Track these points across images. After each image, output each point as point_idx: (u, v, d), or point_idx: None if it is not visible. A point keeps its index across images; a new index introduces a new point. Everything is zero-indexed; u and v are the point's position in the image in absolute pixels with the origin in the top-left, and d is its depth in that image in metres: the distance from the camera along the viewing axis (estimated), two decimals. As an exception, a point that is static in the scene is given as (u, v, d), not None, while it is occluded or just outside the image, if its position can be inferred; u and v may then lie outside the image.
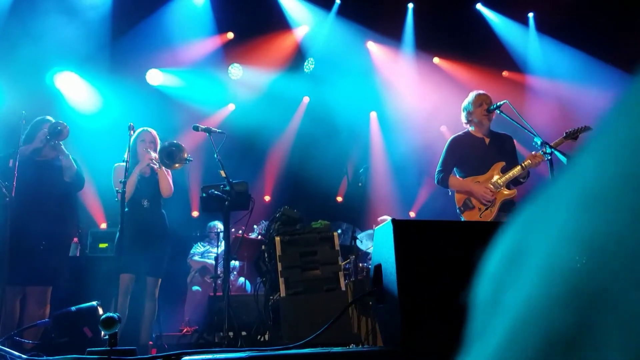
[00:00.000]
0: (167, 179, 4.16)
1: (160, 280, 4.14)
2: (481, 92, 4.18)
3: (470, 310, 0.31)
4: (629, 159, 0.25)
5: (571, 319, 0.24)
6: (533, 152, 3.81)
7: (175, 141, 4.21)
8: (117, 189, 3.87)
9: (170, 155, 4.08)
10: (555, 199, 0.29)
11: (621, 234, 0.24)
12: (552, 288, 0.25)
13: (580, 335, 0.23)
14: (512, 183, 3.99)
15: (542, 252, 0.27)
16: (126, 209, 4.02)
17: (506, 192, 3.95)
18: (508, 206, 3.95)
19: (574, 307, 0.24)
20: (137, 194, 4.02)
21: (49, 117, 4.12)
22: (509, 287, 0.28)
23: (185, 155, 4.11)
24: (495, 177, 3.96)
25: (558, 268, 0.25)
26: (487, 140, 4.14)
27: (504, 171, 3.97)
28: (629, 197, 0.24)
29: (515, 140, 4.28)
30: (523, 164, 3.88)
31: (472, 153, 4.09)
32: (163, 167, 4.13)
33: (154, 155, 4.08)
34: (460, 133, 4.25)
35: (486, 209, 3.93)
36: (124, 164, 4.01)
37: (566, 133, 3.78)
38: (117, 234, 4.04)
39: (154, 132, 4.23)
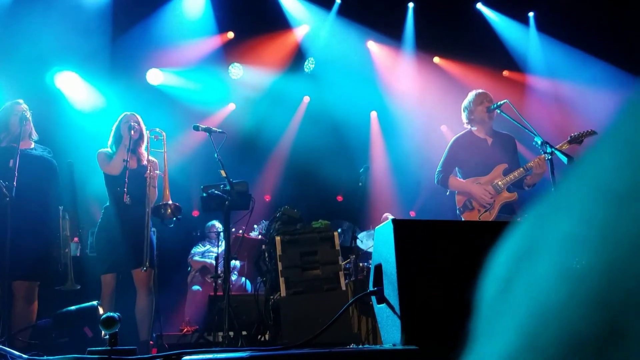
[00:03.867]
0: (154, 190, 4.01)
1: (153, 271, 3.90)
2: (481, 90, 4.17)
3: (475, 309, 0.30)
4: None
5: (599, 321, 0.23)
6: (539, 156, 3.75)
7: (178, 207, 4.09)
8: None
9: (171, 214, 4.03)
10: (567, 197, 0.28)
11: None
12: (573, 289, 0.24)
13: (609, 339, 0.22)
14: (515, 186, 3.96)
15: (556, 252, 0.26)
16: (107, 204, 3.99)
17: (506, 194, 3.93)
18: (508, 209, 3.93)
19: (601, 310, 0.23)
20: (119, 189, 3.84)
21: (19, 101, 4.02)
22: (519, 287, 0.27)
23: (172, 214, 4.03)
24: (497, 180, 3.94)
25: (576, 269, 0.25)
26: (489, 141, 4.11)
27: (505, 173, 3.95)
28: None
29: (516, 141, 4.26)
30: (526, 166, 3.86)
31: (474, 153, 4.06)
32: (154, 173, 4.02)
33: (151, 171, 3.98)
34: (462, 133, 4.22)
35: (485, 211, 3.92)
36: (107, 149, 4.02)
37: (570, 137, 3.74)
38: (97, 229, 3.98)
39: (137, 115, 4.12)
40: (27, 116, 3.91)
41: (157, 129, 4.23)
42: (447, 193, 4.18)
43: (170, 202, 4.00)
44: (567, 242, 0.26)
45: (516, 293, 0.27)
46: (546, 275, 0.26)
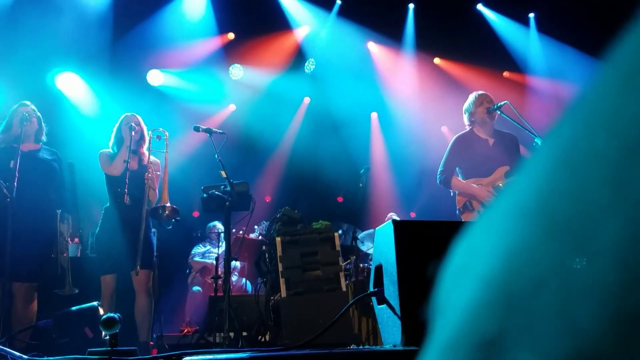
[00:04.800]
0: (154, 192, 4.00)
1: (152, 273, 3.92)
2: (481, 92, 4.17)
3: (430, 320, 0.33)
4: (557, 176, 0.28)
5: (493, 321, 0.26)
6: None
7: (176, 210, 4.05)
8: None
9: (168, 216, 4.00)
10: (494, 211, 0.32)
11: (535, 244, 0.26)
12: (480, 294, 0.28)
13: (499, 337, 0.25)
14: None
15: (479, 264, 0.29)
16: (107, 205, 3.99)
17: None
18: None
19: (494, 311, 0.26)
20: (119, 189, 3.83)
21: (26, 102, 4.03)
22: (453, 296, 0.31)
23: (169, 215, 4.00)
24: (498, 181, 3.94)
25: (488, 276, 0.28)
26: (491, 141, 4.10)
27: (507, 176, 3.94)
28: (549, 208, 0.27)
29: (518, 140, 4.26)
30: None
31: (475, 154, 4.06)
32: (154, 174, 4.02)
33: (150, 173, 3.98)
34: (463, 132, 4.21)
35: (485, 212, 3.91)
36: (109, 150, 4.03)
37: None
38: (97, 230, 3.98)
39: (138, 116, 4.13)
40: (28, 117, 3.91)
41: (161, 129, 4.23)
42: (452, 194, 4.17)
43: (168, 204, 3.99)
44: (486, 253, 0.30)
45: (450, 303, 0.31)
46: (468, 285, 0.30)
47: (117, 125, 4.11)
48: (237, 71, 7.80)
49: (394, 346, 2.01)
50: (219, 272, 4.89)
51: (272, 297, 3.77)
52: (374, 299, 2.29)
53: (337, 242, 3.65)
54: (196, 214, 7.23)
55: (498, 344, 0.25)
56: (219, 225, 6.29)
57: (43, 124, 4.08)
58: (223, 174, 3.98)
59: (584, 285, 0.24)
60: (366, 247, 5.58)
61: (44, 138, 4.09)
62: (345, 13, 7.74)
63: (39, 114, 4.06)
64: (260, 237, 6.05)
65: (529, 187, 0.29)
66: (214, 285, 4.84)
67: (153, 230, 4.09)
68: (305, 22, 7.84)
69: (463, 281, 0.30)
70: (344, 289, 3.57)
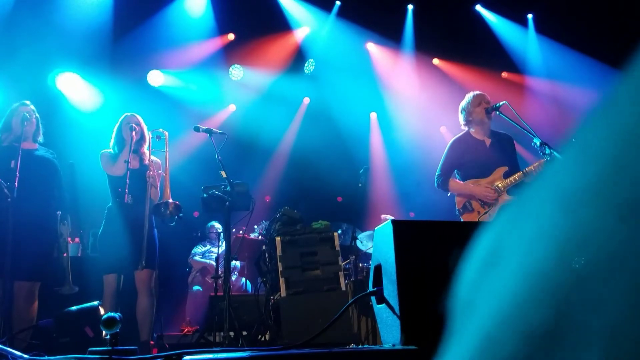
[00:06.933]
0: (156, 190, 4.03)
1: (154, 272, 3.92)
2: (478, 92, 4.19)
3: (449, 312, 0.31)
4: (607, 160, 0.26)
5: (548, 315, 0.24)
6: (539, 160, 3.77)
7: (179, 208, 4.05)
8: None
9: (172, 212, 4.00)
10: (530, 202, 0.29)
11: (601, 233, 0.24)
12: (527, 286, 0.25)
13: (558, 333, 0.23)
14: (514, 188, 3.98)
15: (517, 254, 0.27)
16: (110, 204, 4.01)
17: (506, 197, 3.94)
18: None
19: (550, 305, 0.24)
20: (121, 189, 3.84)
21: (26, 102, 4.05)
22: (484, 288, 0.29)
23: (172, 212, 4.01)
24: (497, 182, 3.95)
25: (533, 267, 0.25)
26: (488, 142, 4.11)
27: (506, 176, 3.96)
28: (606, 199, 0.24)
29: (514, 141, 4.27)
30: (525, 170, 3.87)
31: (473, 156, 4.06)
32: (156, 172, 4.03)
33: (152, 171, 4.00)
34: (460, 134, 4.22)
35: (485, 213, 3.93)
36: (110, 150, 4.05)
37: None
38: (100, 230, 4.00)
39: (138, 116, 4.15)
40: (29, 117, 3.93)
41: (160, 129, 4.25)
42: (449, 194, 4.19)
43: (170, 200, 4.01)
44: (524, 244, 0.27)
45: (480, 295, 0.29)
46: (505, 276, 0.27)
47: (117, 125, 4.13)
48: (237, 72, 7.82)
49: (393, 345, 2.03)
50: (219, 272, 4.91)
51: (272, 297, 3.79)
52: (373, 299, 2.31)
53: (337, 241, 3.67)
54: (196, 213, 7.25)
55: (551, 338, 0.23)
56: (218, 225, 6.31)
57: (40, 124, 4.09)
58: (223, 174, 4.00)
59: None
60: (365, 246, 5.60)
61: (40, 139, 4.10)
62: (345, 14, 7.75)
63: (37, 114, 4.07)
64: (260, 237, 6.07)
65: (582, 170, 0.27)
66: (214, 284, 4.86)
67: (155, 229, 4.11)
68: (305, 23, 7.86)
69: (496, 274, 0.28)
70: (344, 288, 3.59)
